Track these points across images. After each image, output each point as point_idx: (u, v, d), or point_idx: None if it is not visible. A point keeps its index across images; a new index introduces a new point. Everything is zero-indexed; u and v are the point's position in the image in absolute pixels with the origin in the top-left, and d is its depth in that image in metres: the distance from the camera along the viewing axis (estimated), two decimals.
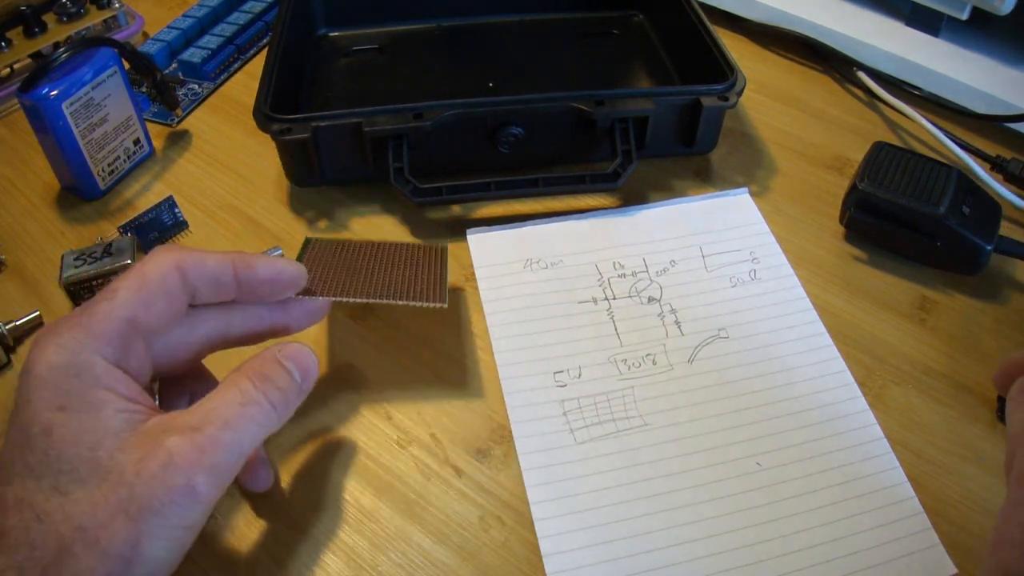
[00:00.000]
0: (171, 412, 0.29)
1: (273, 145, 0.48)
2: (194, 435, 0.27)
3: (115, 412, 0.27)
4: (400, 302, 0.37)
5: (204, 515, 0.28)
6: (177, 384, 0.35)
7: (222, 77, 0.60)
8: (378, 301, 0.37)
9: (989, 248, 0.43)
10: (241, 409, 0.29)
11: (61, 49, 0.45)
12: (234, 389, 0.29)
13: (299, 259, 0.39)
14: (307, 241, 0.42)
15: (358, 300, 0.37)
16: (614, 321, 0.43)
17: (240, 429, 0.29)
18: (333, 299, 0.36)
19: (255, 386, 0.30)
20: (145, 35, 0.63)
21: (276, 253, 0.46)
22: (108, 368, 0.28)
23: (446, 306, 0.38)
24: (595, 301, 0.44)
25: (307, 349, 0.32)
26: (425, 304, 0.37)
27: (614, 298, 0.44)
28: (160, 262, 0.30)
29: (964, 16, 0.55)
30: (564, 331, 0.42)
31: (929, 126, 0.52)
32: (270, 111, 0.46)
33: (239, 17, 0.64)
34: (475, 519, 0.36)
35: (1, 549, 0.26)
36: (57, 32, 0.58)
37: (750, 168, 0.52)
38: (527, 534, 0.35)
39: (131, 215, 0.49)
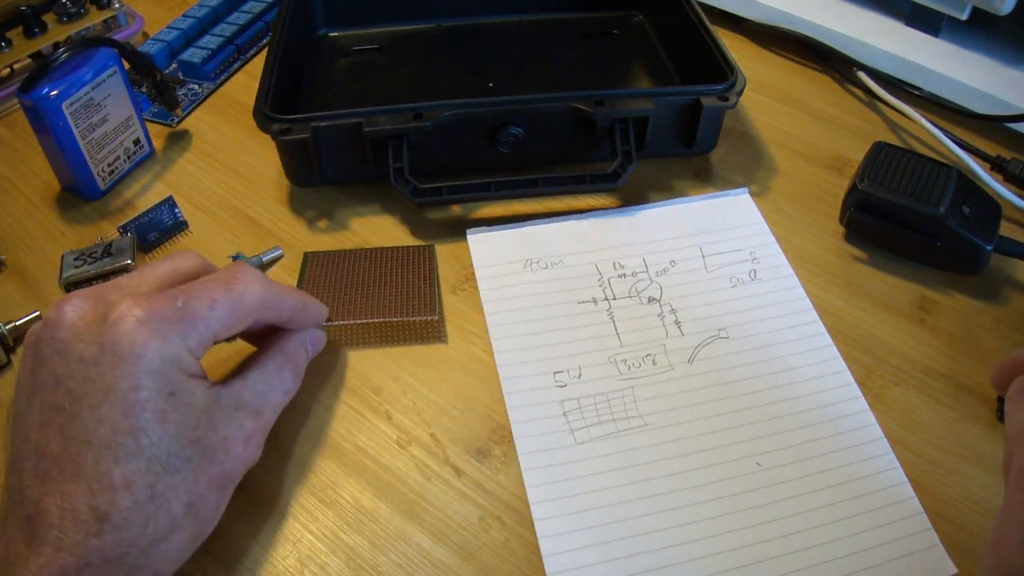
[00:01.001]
0: (230, 385, 0.33)
1: (273, 145, 0.48)
2: (259, 418, 0.34)
3: (201, 392, 0.31)
4: (396, 318, 0.42)
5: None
6: None
7: (222, 77, 0.60)
8: (377, 320, 0.42)
9: (989, 248, 0.43)
10: (285, 398, 0.36)
11: (61, 49, 0.45)
12: (279, 379, 0.35)
13: (302, 275, 0.45)
14: (306, 258, 0.46)
15: (359, 322, 0.42)
16: (614, 321, 0.43)
17: (280, 412, 0.36)
18: (339, 324, 0.42)
19: (292, 379, 0.36)
20: (145, 35, 0.63)
21: (276, 253, 0.46)
22: (193, 359, 0.32)
23: (436, 318, 0.42)
24: (595, 301, 0.44)
25: (324, 335, 0.40)
26: (417, 318, 0.42)
27: (614, 298, 0.44)
28: (255, 293, 0.34)
29: (964, 16, 0.55)
30: (564, 331, 0.42)
31: (929, 126, 0.52)
32: (270, 111, 0.46)
33: (239, 17, 0.64)
34: (475, 519, 0.36)
35: (109, 529, 0.28)
36: (57, 32, 0.58)
37: (750, 168, 0.52)
38: (527, 534, 0.35)
39: (131, 215, 0.49)
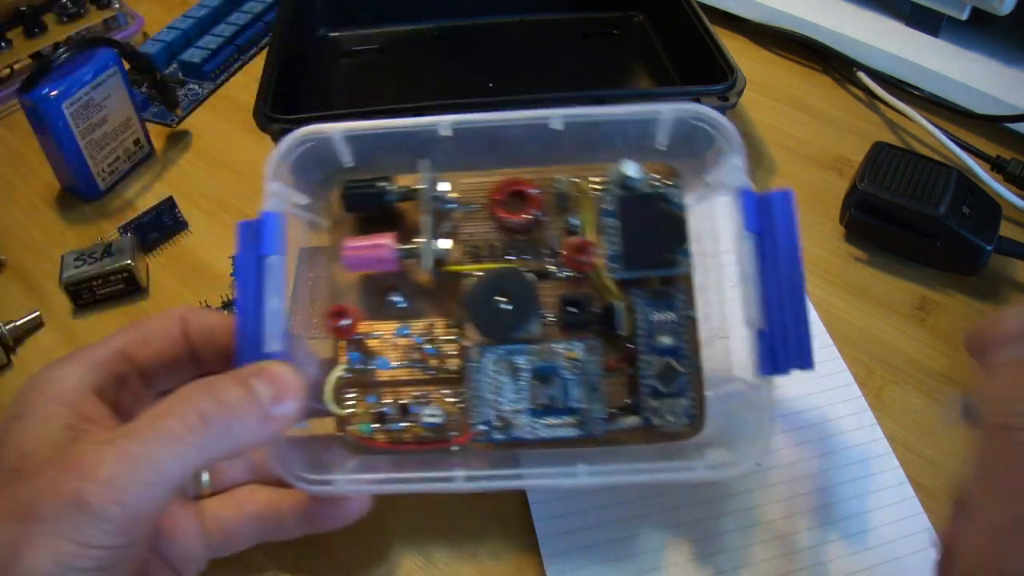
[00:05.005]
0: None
1: (273, 145, 0.48)
2: (102, 446, 0.25)
3: (62, 427, 0.26)
4: None
5: (111, 537, 0.24)
6: None
7: (222, 77, 0.60)
8: None
9: (989, 248, 0.43)
10: (160, 422, 0.25)
11: (61, 49, 0.45)
12: (166, 400, 0.26)
13: (297, 271, 0.43)
14: (302, 253, 0.45)
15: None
16: None
17: (153, 443, 0.25)
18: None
19: (188, 397, 0.26)
20: (145, 35, 0.63)
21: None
22: (79, 389, 0.27)
23: None
24: None
25: (284, 367, 0.28)
26: None
27: None
28: (163, 312, 0.32)
29: (964, 16, 0.55)
30: None
31: (929, 126, 0.52)
32: (270, 111, 0.46)
33: (239, 17, 0.64)
34: (475, 519, 0.36)
35: None
36: (57, 32, 0.59)
37: (750, 168, 0.52)
38: (527, 534, 0.35)
39: (131, 215, 0.49)
